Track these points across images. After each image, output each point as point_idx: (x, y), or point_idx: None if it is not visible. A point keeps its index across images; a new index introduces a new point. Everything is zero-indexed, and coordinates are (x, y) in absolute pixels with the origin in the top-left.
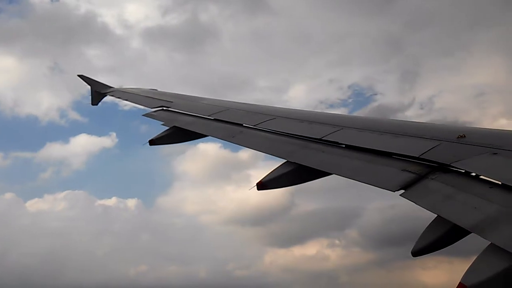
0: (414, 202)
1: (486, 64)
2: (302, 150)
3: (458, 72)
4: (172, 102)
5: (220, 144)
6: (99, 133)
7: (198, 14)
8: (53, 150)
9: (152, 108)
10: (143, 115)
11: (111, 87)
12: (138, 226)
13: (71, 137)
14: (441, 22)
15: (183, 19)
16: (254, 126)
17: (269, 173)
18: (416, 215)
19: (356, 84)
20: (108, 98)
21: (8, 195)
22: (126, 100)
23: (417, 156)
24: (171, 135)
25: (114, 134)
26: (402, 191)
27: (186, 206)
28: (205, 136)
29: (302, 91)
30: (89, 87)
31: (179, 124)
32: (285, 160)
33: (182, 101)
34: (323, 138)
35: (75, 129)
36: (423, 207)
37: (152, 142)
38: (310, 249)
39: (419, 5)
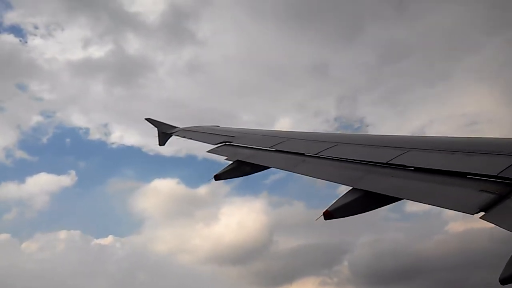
0: (497, 225)
1: (471, 93)
2: (368, 176)
3: (444, 101)
4: (233, 136)
5: (177, 180)
6: (57, 172)
7: (123, 46)
8: (9, 190)
9: (215, 144)
10: (207, 151)
11: (175, 127)
12: (116, 267)
13: (27, 177)
14: (418, 53)
15: (108, 51)
16: (316, 154)
17: (335, 201)
18: (402, 250)
19: (342, 116)
20: (35, 134)
21: (3, 236)
22: (191, 138)
23: (495, 174)
24: (235, 169)
25: (73, 172)
26: (482, 213)
27: (159, 245)
28: (267, 168)
29: (288, 124)
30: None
31: (242, 158)
32: (351, 187)
33: (243, 135)
34: (390, 162)
35: (25, 168)
36: (507, 230)
37: (217, 177)
38: None
39: (389, 37)
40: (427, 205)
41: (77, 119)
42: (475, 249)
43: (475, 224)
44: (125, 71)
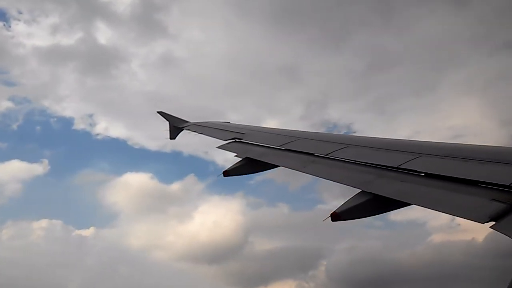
0: (507, 235)
1: (458, 106)
2: (378, 180)
3: (430, 113)
4: (244, 133)
5: (150, 175)
6: (30, 159)
7: (94, 35)
8: None
9: (225, 140)
10: (217, 147)
11: (187, 121)
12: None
13: None
14: (406, 63)
15: (78, 40)
16: (326, 155)
17: (343, 204)
18: (381, 258)
19: (328, 121)
20: (5, 120)
21: None
22: (201, 133)
23: (507, 184)
24: (244, 166)
25: (46, 161)
26: (492, 223)
27: (132, 240)
28: (276, 166)
29: (275, 126)
30: None
31: (251, 155)
32: (360, 190)
33: (253, 133)
34: (400, 167)
35: None
36: None
37: (226, 173)
38: None
39: (378, 46)
40: (430, 211)
41: (51, 107)
42: (455, 262)
43: (456, 237)
44: (97, 61)
